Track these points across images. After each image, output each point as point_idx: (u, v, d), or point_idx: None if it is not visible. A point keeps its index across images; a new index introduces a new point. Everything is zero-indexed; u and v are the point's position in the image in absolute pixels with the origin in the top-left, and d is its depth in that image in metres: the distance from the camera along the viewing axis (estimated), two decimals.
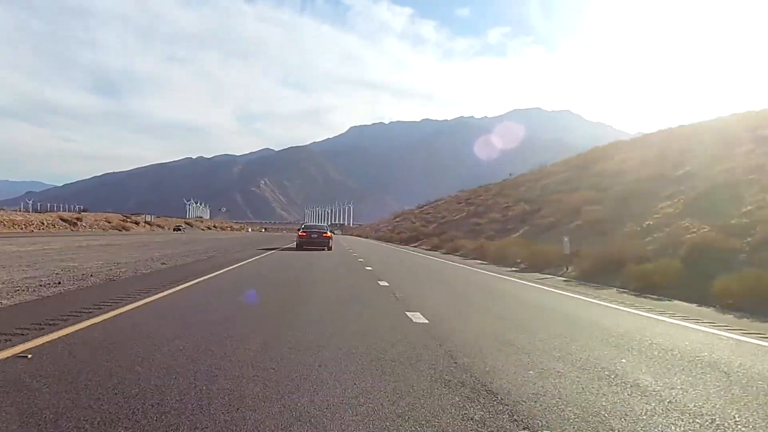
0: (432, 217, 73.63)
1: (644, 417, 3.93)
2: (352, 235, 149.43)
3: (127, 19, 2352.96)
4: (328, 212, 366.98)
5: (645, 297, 12.68)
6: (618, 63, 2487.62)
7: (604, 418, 3.85)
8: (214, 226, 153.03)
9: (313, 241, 34.88)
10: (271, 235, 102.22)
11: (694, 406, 4.24)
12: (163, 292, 10.62)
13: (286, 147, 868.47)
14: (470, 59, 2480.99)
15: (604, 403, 4.22)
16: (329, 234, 36.74)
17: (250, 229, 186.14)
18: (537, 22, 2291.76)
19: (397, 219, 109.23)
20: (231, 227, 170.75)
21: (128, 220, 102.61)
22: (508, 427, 3.67)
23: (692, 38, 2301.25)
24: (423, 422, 3.69)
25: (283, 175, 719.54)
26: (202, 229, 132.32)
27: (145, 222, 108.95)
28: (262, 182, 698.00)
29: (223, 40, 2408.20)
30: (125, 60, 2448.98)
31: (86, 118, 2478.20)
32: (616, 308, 10.61)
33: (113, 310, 8.12)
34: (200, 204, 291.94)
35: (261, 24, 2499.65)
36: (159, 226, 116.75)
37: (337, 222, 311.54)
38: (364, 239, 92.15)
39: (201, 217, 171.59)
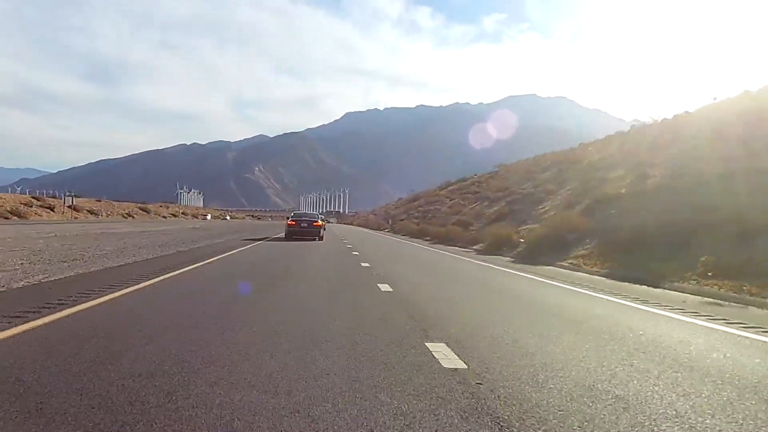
0: (513, 197, 40.82)
1: None
2: (351, 224, 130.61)
3: (122, 5, 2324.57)
4: (323, 199, 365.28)
5: None
6: (613, 50, 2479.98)
7: None
8: (183, 213, 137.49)
9: (303, 230, 33.29)
10: (250, 225, 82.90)
11: None
12: None
13: (280, 133, 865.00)
14: (466, 46, 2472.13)
15: None
16: (320, 223, 35.33)
17: (209, 216, 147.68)
18: (532, 8, 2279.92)
19: (418, 203, 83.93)
20: (202, 215, 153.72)
21: (38, 202, 79.56)
22: None
23: (689, 22, 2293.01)
24: None
25: (277, 162, 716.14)
26: (164, 217, 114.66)
27: (68, 207, 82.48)
28: (257, 169, 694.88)
29: (217, 27, 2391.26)
30: (119, 47, 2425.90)
31: (81, 105, 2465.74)
32: None
33: None
34: (193, 191, 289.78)
35: (255, 11, 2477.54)
36: (92, 212, 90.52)
37: (332, 209, 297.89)
38: (373, 232, 64.96)
39: (167, 204, 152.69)
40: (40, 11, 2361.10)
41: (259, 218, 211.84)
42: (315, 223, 34.12)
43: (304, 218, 35.34)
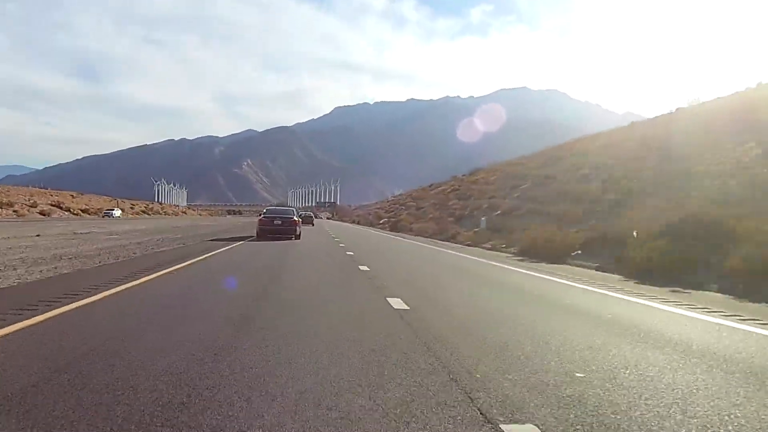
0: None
1: None
2: (359, 223, 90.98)
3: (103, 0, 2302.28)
4: (312, 193, 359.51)
5: None
6: (604, 42, 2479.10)
7: None
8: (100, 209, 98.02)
9: (277, 228, 30.07)
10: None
11: None
12: None
13: (269, 128, 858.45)
14: (453, 38, 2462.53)
15: None
16: (297, 220, 31.90)
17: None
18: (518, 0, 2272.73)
19: (453, 194, 61.01)
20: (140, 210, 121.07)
21: None
22: None
23: (681, 14, 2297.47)
24: None
25: (266, 156, 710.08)
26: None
27: None
28: (245, 163, 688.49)
29: (200, 23, 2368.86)
30: (103, 43, 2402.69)
31: (66, 101, 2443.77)
32: None
33: None
34: (175, 186, 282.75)
35: (238, 5, 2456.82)
36: None
37: (324, 201, 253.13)
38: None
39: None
40: (21, 7, 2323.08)
41: (238, 213, 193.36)
42: (291, 221, 31.16)
43: (278, 215, 32.13)
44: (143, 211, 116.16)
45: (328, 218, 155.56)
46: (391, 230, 56.64)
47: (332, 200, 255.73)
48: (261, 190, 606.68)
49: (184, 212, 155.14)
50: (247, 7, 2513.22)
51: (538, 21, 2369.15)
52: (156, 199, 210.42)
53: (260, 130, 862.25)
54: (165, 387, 4.25)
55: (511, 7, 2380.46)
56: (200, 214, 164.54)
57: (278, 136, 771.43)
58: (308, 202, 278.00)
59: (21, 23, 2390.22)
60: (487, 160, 79.03)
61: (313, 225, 64.34)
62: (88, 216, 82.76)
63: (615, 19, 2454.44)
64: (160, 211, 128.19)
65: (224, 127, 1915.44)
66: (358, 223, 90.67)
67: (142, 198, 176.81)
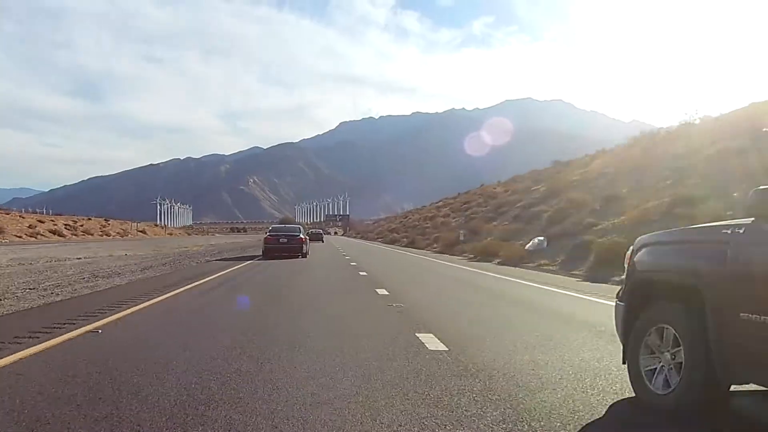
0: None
1: None
2: (413, 243, 51.62)
3: (103, 19, 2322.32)
4: (320, 208, 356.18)
5: None
6: (606, 51, 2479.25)
7: None
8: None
9: (282, 247, 30.05)
10: None
11: None
12: None
13: (275, 144, 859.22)
14: (455, 50, 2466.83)
15: None
16: (304, 238, 31.62)
17: None
18: (519, 10, 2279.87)
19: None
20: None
21: None
22: None
23: (686, 20, 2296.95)
24: None
25: (272, 173, 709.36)
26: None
27: None
28: (251, 180, 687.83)
29: (201, 40, 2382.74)
30: (104, 62, 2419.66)
31: (70, 122, 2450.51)
32: None
33: None
34: (179, 204, 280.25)
35: (238, 21, 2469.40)
36: None
37: (335, 214, 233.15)
38: None
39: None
40: (21, 27, 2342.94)
41: (239, 230, 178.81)
42: (298, 238, 31.04)
43: (284, 233, 31.86)
44: (60, 233, 75.49)
45: (338, 234, 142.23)
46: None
47: (344, 213, 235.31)
48: (268, 207, 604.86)
49: (143, 231, 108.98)
50: (248, 22, 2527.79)
51: (539, 31, 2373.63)
52: (158, 219, 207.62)
53: (266, 147, 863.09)
54: None
55: (511, 18, 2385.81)
56: (169, 234, 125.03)
57: (284, 153, 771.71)
58: (317, 218, 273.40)
59: (20, 43, 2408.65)
60: (494, 172, 76.03)
61: (322, 242, 65.16)
62: None
63: (618, 27, 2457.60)
64: (99, 231, 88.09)
65: (229, 145, 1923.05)
66: (411, 245, 51.43)
67: (146, 219, 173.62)
